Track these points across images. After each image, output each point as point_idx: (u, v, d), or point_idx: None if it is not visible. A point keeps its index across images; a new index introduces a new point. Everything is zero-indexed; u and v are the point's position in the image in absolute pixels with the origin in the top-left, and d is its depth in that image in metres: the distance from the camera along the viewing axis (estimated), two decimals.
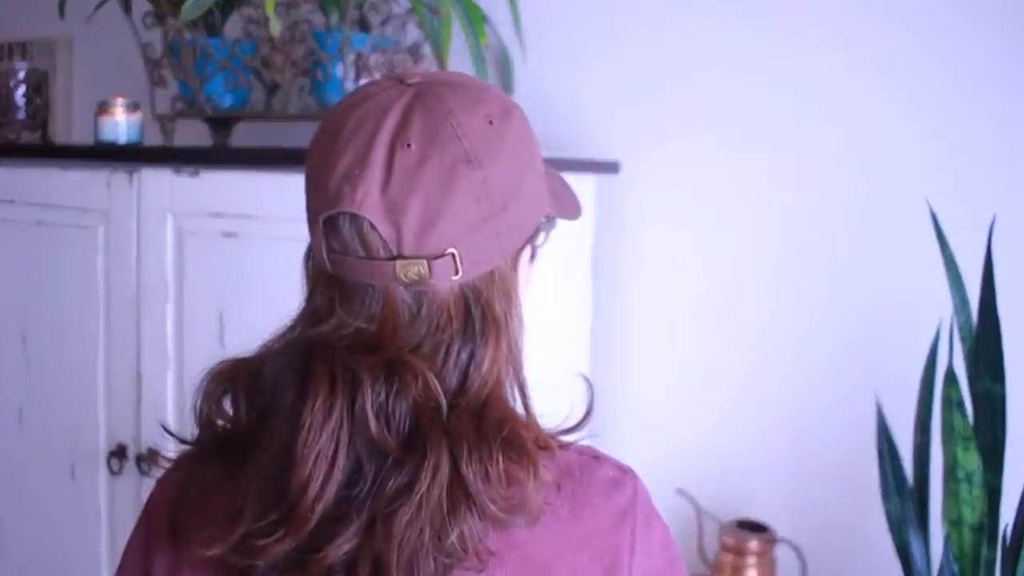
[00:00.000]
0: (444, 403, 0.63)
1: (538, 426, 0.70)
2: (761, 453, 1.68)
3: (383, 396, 0.62)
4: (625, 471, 0.73)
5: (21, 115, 1.87)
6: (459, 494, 0.61)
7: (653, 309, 1.75)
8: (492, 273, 0.67)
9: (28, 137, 1.89)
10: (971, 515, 1.25)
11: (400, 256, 0.63)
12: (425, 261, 0.63)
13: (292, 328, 0.70)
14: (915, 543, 1.35)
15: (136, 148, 1.67)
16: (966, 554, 1.27)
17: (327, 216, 0.65)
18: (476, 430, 0.63)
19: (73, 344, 1.62)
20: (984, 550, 1.27)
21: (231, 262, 1.47)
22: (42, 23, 2.01)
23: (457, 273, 0.64)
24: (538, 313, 1.62)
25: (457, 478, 0.61)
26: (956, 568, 1.27)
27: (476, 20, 1.60)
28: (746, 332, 1.68)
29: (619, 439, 1.78)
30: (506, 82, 1.80)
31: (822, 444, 1.63)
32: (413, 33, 1.72)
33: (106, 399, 1.59)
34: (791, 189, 1.64)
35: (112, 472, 1.58)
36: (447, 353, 0.65)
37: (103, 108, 1.66)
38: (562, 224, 0.79)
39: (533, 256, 0.74)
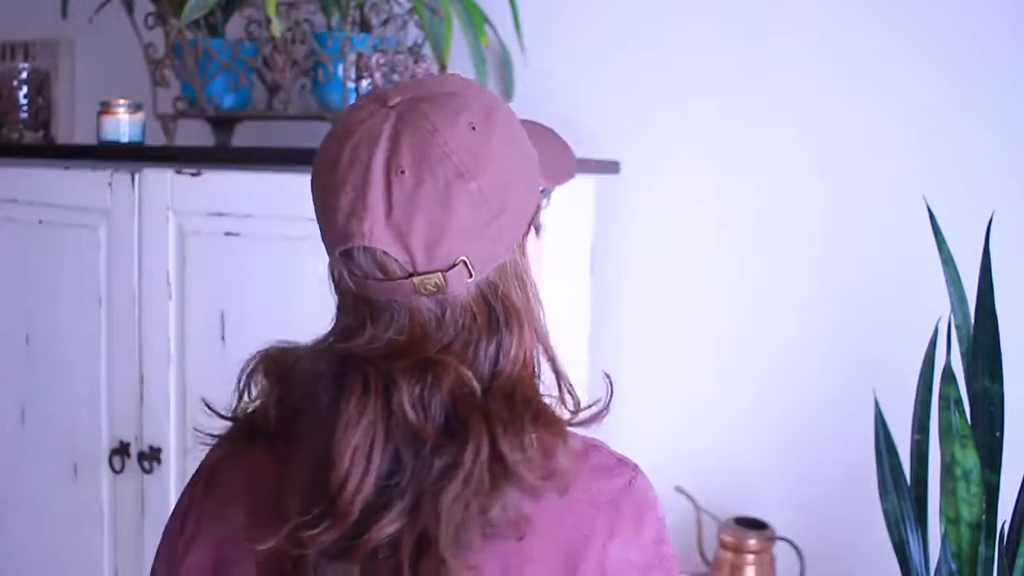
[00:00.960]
0: (478, 388, 0.68)
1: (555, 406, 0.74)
2: (760, 451, 1.69)
3: (418, 391, 0.67)
4: (625, 463, 0.76)
5: (23, 115, 1.88)
6: (499, 468, 0.66)
7: (652, 308, 1.76)
8: (503, 266, 0.71)
9: (30, 137, 1.89)
10: (969, 513, 1.26)
11: (415, 273, 0.68)
12: (439, 274, 0.68)
13: (324, 340, 0.74)
14: (913, 541, 1.35)
15: (138, 148, 1.68)
16: (964, 552, 1.27)
17: (342, 250, 0.69)
18: (509, 408, 0.68)
19: (75, 343, 1.63)
20: (982, 548, 1.27)
21: (232, 261, 1.47)
22: (44, 23, 2.01)
23: (471, 276, 0.68)
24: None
25: (496, 453, 0.66)
26: (954, 566, 1.28)
27: (476, 20, 1.61)
28: (745, 331, 1.69)
29: (618, 437, 1.78)
30: (506, 82, 1.81)
31: (820, 442, 1.64)
32: (414, 33, 1.72)
33: (108, 397, 1.60)
34: (790, 188, 1.64)
35: (114, 470, 1.58)
36: (476, 347, 0.70)
37: (105, 108, 1.67)
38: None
39: (538, 232, 0.77)
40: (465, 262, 0.68)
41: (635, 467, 0.76)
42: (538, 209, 0.75)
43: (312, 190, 0.72)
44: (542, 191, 0.76)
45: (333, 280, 0.73)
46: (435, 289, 0.68)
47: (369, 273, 0.69)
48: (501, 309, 0.70)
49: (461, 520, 0.65)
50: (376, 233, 0.67)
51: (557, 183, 0.80)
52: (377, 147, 0.67)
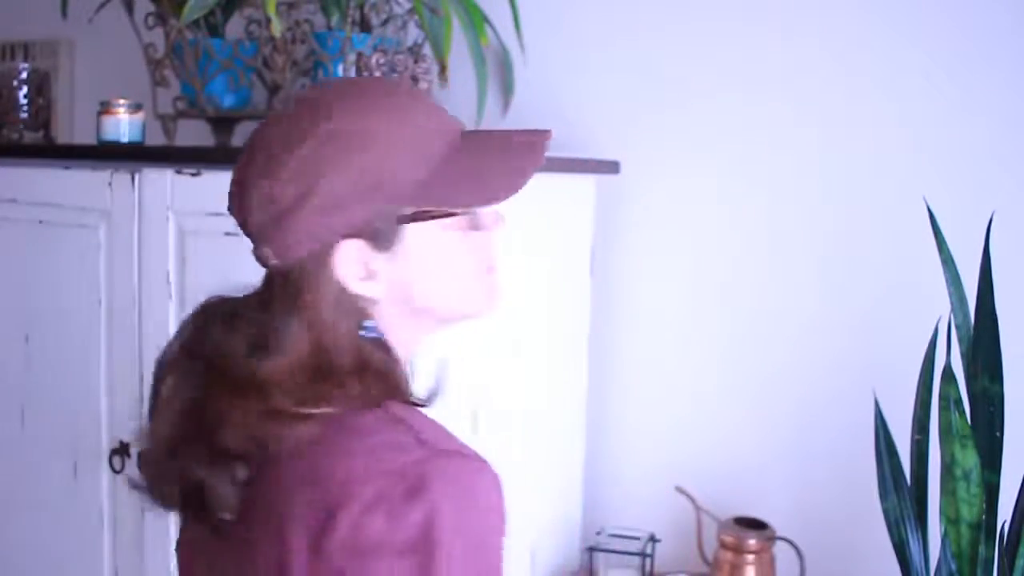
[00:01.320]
0: (241, 351, 0.79)
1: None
2: (760, 451, 1.69)
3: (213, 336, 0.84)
4: (427, 446, 0.74)
5: (23, 115, 1.88)
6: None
7: (652, 308, 1.76)
8: (302, 261, 0.79)
9: (30, 137, 1.89)
10: (969, 513, 1.26)
11: (253, 241, 0.83)
12: (260, 247, 0.82)
13: None
14: (913, 541, 1.35)
15: (138, 148, 1.67)
16: (964, 552, 1.27)
17: None
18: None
19: (75, 343, 1.63)
20: (982, 548, 1.27)
21: (232, 261, 1.47)
22: (44, 23, 2.02)
23: (272, 259, 0.80)
24: (538, 312, 1.64)
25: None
26: (954, 566, 1.28)
27: (476, 20, 1.61)
28: (745, 330, 1.69)
29: (618, 437, 1.79)
30: (506, 82, 1.81)
31: (821, 442, 1.64)
32: (414, 33, 1.72)
33: (108, 397, 1.60)
34: (790, 188, 1.64)
35: (114, 470, 1.58)
36: (255, 318, 0.82)
37: (105, 108, 1.67)
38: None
39: (375, 241, 0.79)
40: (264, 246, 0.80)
41: (449, 454, 0.74)
42: (373, 221, 0.78)
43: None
44: (461, 210, 0.81)
45: None
46: (260, 259, 0.82)
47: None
48: (282, 296, 0.80)
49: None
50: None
51: (477, 202, 0.81)
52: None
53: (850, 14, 1.59)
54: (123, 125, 1.66)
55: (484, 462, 0.75)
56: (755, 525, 1.56)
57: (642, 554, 1.60)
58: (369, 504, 0.69)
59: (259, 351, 0.78)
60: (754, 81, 1.65)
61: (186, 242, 1.50)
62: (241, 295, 0.85)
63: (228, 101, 1.69)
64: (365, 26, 1.66)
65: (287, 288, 0.80)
